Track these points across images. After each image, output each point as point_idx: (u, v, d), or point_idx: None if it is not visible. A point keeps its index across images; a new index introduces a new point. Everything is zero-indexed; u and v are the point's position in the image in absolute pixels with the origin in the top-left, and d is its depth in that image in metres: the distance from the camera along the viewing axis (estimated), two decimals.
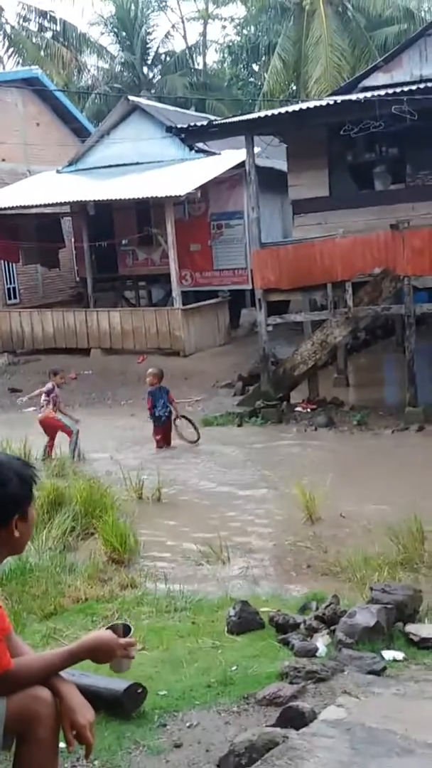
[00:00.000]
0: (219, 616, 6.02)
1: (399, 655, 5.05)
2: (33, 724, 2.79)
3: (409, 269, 13.79)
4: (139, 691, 4.23)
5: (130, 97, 24.00)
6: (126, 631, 3.17)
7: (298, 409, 14.93)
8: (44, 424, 12.99)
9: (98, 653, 2.96)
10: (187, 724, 4.12)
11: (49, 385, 13.20)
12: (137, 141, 22.02)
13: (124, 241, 23.34)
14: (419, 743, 3.46)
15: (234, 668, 4.85)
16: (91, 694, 4.05)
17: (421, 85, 14.28)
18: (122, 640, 3.01)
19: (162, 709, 4.28)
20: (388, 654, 5.02)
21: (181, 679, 4.71)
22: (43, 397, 13.21)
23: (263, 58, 36.87)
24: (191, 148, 21.35)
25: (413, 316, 14.02)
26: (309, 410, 14.75)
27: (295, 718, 3.86)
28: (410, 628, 5.44)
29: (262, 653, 5.18)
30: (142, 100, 24.27)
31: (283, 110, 16.00)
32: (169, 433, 13.42)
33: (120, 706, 4.16)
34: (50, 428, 12.98)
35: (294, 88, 33.24)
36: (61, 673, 2.92)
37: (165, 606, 6.38)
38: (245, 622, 5.73)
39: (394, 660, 4.96)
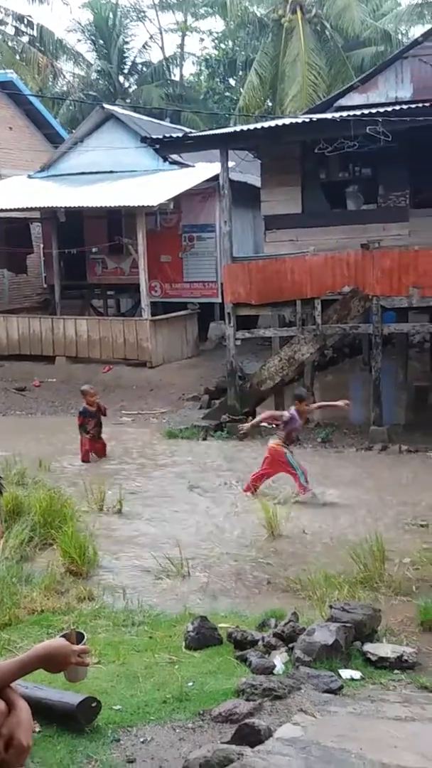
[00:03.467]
0: (177, 631, 5.97)
1: (356, 674, 5.05)
2: None
3: (378, 289, 13.89)
4: (93, 705, 4.18)
5: (105, 106, 23.95)
6: (79, 638, 3.09)
7: (264, 424, 14.89)
8: (271, 455, 10.99)
9: (52, 662, 2.85)
10: (141, 740, 4.07)
11: (289, 412, 11.27)
12: (111, 149, 21.94)
13: (94, 250, 23.23)
14: (374, 763, 3.45)
15: (190, 684, 4.81)
16: (44, 707, 4.00)
17: (396, 107, 14.42)
18: (76, 647, 2.93)
19: (116, 723, 4.23)
20: (346, 673, 5.01)
21: (136, 694, 4.65)
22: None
23: (240, 73, 37.11)
24: (165, 159, 21.34)
25: (381, 335, 14.12)
26: (274, 426, 14.71)
27: (250, 736, 3.83)
28: (368, 647, 5.44)
29: (220, 669, 5.14)
30: (117, 109, 24.21)
31: (258, 126, 16.07)
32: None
33: (73, 720, 4.10)
34: (275, 463, 10.96)
35: (270, 104, 33.42)
36: (13, 685, 2.84)
37: (123, 620, 6.33)
38: (203, 638, 5.69)
39: (352, 679, 4.96)
